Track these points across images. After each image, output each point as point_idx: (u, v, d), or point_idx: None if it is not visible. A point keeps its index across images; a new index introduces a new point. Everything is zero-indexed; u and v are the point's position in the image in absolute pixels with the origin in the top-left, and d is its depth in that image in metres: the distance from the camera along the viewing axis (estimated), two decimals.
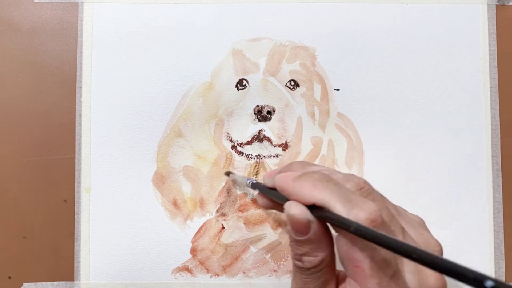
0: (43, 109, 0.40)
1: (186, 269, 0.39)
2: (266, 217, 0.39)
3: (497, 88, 0.40)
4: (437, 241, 0.27)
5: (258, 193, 0.34)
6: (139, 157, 0.40)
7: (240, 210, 0.40)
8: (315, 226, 0.25)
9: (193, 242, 0.39)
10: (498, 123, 0.40)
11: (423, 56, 0.40)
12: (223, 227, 0.39)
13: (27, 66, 0.40)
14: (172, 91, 0.40)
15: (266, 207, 0.34)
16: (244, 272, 0.39)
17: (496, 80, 0.40)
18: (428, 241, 0.26)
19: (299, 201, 0.26)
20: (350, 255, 0.24)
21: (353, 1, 0.41)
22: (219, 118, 0.40)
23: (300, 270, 0.26)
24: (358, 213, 0.23)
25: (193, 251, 0.39)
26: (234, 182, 0.39)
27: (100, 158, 0.40)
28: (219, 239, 0.39)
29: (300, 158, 0.40)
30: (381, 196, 0.27)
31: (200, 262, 0.39)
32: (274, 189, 0.29)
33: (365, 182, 0.27)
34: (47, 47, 0.41)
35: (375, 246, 0.23)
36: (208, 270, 0.39)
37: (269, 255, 0.39)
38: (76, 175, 0.40)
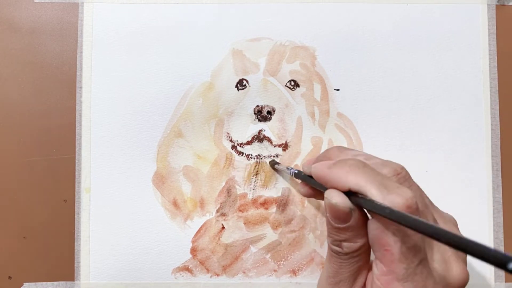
0: (43, 109, 0.40)
1: (186, 269, 0.39)
2: (266, 217, 0.39)
3: (497, 88, 0.40)
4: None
5: (300, 183, 0.34)
6: (139, 157, 0.40)
7: (240, 210, 0.40)
8: (356, 214, 0.25)
9: (193, 242, 0.39)
10: (498, 123, 0.40)
11: (423, 56, 0.40)
12: (223, 227, 0.39)
13: (27, 66, 0.40)
14: (172, 91, 0.40)
15: (307, 196, 0.34)
16: (244, 272, 0.39)
17: (496, 80, 0.40)
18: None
19: (335, 188, 0.26)
20: (382, 239, 0.24)
21: (353, 1, 0.41)
22: (219, 118, 0.40)
23: (337, 255, 0.27)
24: (395, 198, 0.23)
25: (193, 251, 0.39)
26: (279, 172, 0.39)
27: (100, 158, 0.40)
28: (219, 239, 0.39)
29: (300, 158, 0.40)
30: (417, 185, 0.27)
31: (200, 262, 0.39)
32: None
33: (402, 168, 0.27)
34: (47, 47, 0.41)
35: (407, 232, 0.23)
36: (208, 270, 0.39)
37: (269, 255, 0.39)
38: (76, 175, 0.40)
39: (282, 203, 0.39)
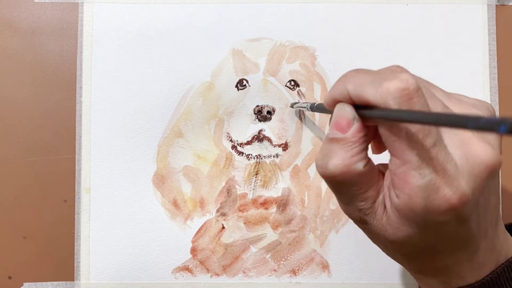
0: (43, 109, 0.40)
1: (186, 269, 0.39)
2: (266, 217, 0.39)
3: (497, 88, 0.40)
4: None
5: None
6: (139, 157, 0.40)
7: (240, 210, 0.40)
8: (355, 127, 0.24)
9: (193, 242, 0.39)
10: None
11: (423, 56, 0.40)
12: (223, 227, 0.39)
13: (27, 66, 0.40)
14: (172, 91, 0.40)
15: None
16: (244, 272, 0.39)
17: (496, 80, 0.40)
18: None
19: (340, 100, 0.25)
20: (387, 131, 0.23)
21: (353, 1, 0.41)
22: (219, 118, 0.40)
23: (330, 183, 0.25)
24: (389, 85, 0.22)
25: (193, 251, 0.39)
26: (301, 109, 0.39)
27: (100, 158, 0.40)
28: (219, 239, 0.39)
29: (300, 158, 0.40)
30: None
31: (200, 262, 0.39)
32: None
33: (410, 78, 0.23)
34: (47, 47, 0.41)
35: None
36: (208, 270, 0.39)
37: (269, 255, 0.39)
38: (76, 175, 0.40)
39: (282, 203, 0.39)
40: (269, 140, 0.40)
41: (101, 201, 0.40)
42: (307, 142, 0.40)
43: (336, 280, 0.39)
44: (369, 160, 0.24)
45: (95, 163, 0.40)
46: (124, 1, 0.41)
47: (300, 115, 0.40)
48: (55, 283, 0.39)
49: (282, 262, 0.39)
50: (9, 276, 0.39)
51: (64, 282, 0.39)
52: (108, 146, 0.40)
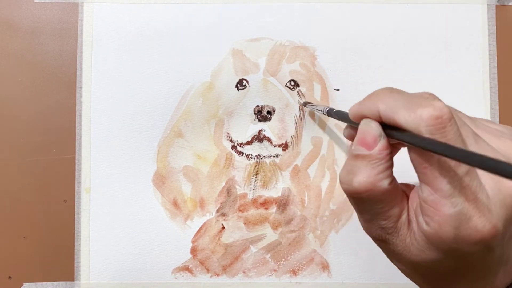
0: (43, 109, 0.40)
1: (186, 269, 0.39)
2: (266, 217, 0.39)
3: (497, 88, 0.40)
4: None
5: (345, 127, 0.32)
6: (139, 157, 0.40)
7: (240, 210, 0.40)
8: (381, 144, 0.24)
9: (193, 242, 0.39)
10: (498, 123, 0.40)
11: (423, 56, 0.40)
12: (223, 227, 0.39)
13: (27, 66, 0.40)
14: (172, 91, 0.40)
15: (351, 138, 0.32)
16: (244, 272, 0.39)
17: (496, 80, 0.40)
18: (509, 150, 0.24)
19: (368, 117, 0.25)
20: (418, 158, 0.22)
21: (353, 1, 0.41)
22: (219, 118, 0.40)
23: (354, 200, 0.25)
24: (423, 112, 0.21)
25: (193, 251, 0.39)
26: (313, 111, 0.39)
27: (100, 158, 0.40)
28: (219, 239, 0.39)
29: (300, 158, 0.40)
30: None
31: (200, 262, 0.39)
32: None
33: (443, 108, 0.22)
34: (47, 47, 0.41)
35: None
36: (208, 270, 0.39)
37: (269, 255, 0.39)
38: (76, 175, 0.40)
39: (282, 203, 0.39)
40: (269, 140, 0.40)
41: (101, 201, 0.40)
42: (307, 142, 0.40)
43: (336, 280, 0.39)
44: (393, 178, 0.24)
45: (95, 163, 0.40)
46: (124, 1, 0.41)
47: (301, 115, 0.40)
48: (55, 283, 0.39)
49: (282, 262, 0.39)
50: (9, 276, 0.39)
51: (64, 282, 0.39)
52: (108, 146, 0.40)
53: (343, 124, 0.40)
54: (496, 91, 0.40)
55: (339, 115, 0.32)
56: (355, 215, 0.39)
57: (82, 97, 0.40)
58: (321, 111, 0.36)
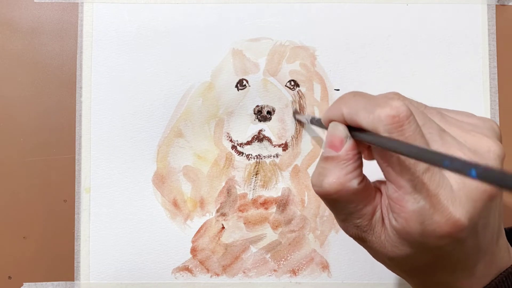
0: (43, 109, 0.40)
1: (186, 269, 0.39)
2: (266, 217, 0.39)
3: (497, 88, 0.40)
4: (494, 144, 0.24)
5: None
6: (139, 157, 0.40)
7: (240, 210, 0.40)
8: (348, 145, 0.24)
9: (193, 242, 0.39)
10: (498, 123, 0.40)
11: (422, 56, 0.40)
12: (223, 227, 0.39)
13: (27, 66, 0.40)
14: (172, 91, 0.40)
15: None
16: (244, 272, 0.39)
17: (496, 80, 0.40)
18: (479, 144, 0.24)
19: (336, 121, 0.25)
20: (380, 157, 0.23)
21: (353, 1, 0.41)
22: (219, 118, 0.40)
23: (327, 201, 0.25)
24: (380, 112, 0.22)
25: (193, 251, 0.39)
26: (300, 121, 0.40)
27: (100, 158, 0.40)
28: (219, 239, 0.39)
29: (300, 158, 0.40)
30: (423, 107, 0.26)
31: (200, 262, 0.39)
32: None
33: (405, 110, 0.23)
34: (47, 47, 0.41)
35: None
36: (208, 270, 0.39)
37: (269, 255, 0.39)
38: (76, 175, 0.40)
39: (282, 203, 0.39)
40: (269, 140, 0.40)
41: (101, 201, 0.40)
42: (307, 142, 0.40)
43: (336, 280, 0.39)
44: (364, 178, 0.25)
45: (95, 163, 0.40)
46: (124, 1, 0.41)
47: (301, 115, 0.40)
48: (55, 283, 0.39)
49: (282, 262, 0.39)
50: (9, 276, 0.39)
51: (64, 282, 0.39)
52: (108, 146, 0.40)
53: None
54: (496, 91, 0.40)
55: (319, 123, 0.33)
56: None
57: (82, 97, 0.40)
58: (306, 120, 0.37)
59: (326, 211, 0.39)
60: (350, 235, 0.26)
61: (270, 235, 0.39)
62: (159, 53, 0.40)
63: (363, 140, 0.24)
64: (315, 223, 0.39)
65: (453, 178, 0.23)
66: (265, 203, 0.40)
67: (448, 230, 0.22)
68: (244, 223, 0.39)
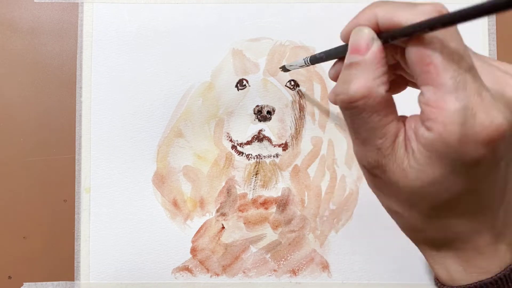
0: (43, 109, 0.40)
1: (186, 269, 0.39)
2: (266, 217, 0.39)
3: None
4: None
5: (331, 68, 0.30)
6: (139, 157, 0.40)
7: (240, 210, 0.40)
8: (375, 47, 0.23)
9: (193, 242, 0.39)
10: None
11: None
12: (223, 227, 0.39)
13: (27, 66, 0.40)
14: (172, 91, 0.40)
15: (337, 77, 0.30)
16: (244, 272, 0.39)
17: None
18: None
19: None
20: (420, 57, 0.22)
21: (353, 1, 0.41)
22: (219, 118, 0.40)
23: (351, 112, 0.24)
24: (423, 7, 0.22)
25: (193, 251, 0.39)
26: (291, 68, 0.38)
27: (100, 158, 0.40)
28: (219, 239, 0.39)
29: (300, 158, 0.40)
30: None
31: (200, 262, 0.39)
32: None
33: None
34: (47, 47, 0.41)
35: (444, 41, 0.21)
36: (208, 270, 0.39)
37: (269, 255, 0.39)
38: (76, 175, 0.40)
39: (282, 203, 0.39)
40: (269, 140, 0.40)
41: (101, 201, 0.40)
42: (307, 142, 0.40)
43: (336, 280, 0.39)
44: (389, 88, 0.24)
45: (95, 163, 0.40)
46: (124, 1, 0.41)
47: (301, 115, 0.40)
48: (55, 283, 0.39)
49: (282, 262, 0.39)
50: (9, 276, 0.39)
51: (64, 282, 0.39)
52: (108, 146, 0.40)
53: (343, 124, 0.40)
54: None
55: (326, 54, 0.30)
56: (355, 215, 0.39)
57: (82, 97, 0.40)
58: (303, 63, 0.34)
59: (326, 211, 0.39)
60: (368, 163, 0.25)
61: (270, 235, 0.39)
62: (159, 53, 0.40)
63: (402, 34, 0.22)
64: (315, 223, 0.39)
65: (492, 89, 0.22)
66: (265, 203, 0.40)
67: (490, 133, 0.21)
68: (244, 223, 0.39)
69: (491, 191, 0.24)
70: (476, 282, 0.25)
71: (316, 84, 0.40)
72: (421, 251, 0.28)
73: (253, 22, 0.41)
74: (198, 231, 0.39)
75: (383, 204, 0.28)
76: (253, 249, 0.39)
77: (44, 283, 0.39)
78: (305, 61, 0.33)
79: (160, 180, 0.40)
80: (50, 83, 0.40)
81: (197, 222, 0.40)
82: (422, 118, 0.23)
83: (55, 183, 0.40)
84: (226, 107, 0.40)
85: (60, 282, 0.39)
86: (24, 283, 0.39)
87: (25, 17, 0.41)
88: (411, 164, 0.23)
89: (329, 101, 0.40)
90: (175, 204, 0.40)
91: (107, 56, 0.40)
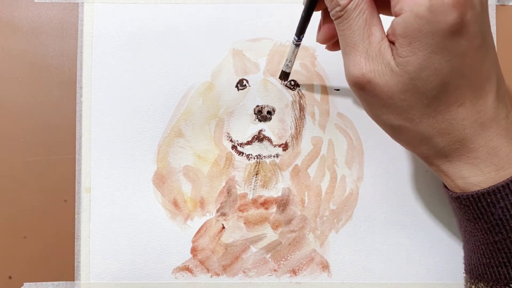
0: (43, 109, 0.40)
1: (186, 269, 0.39)
2: (266, 217, 0.40)
3: None
4: None
5: (318, 31, 0.34)
6: (139, 157, 0.40)
7: (240, 210, 0.40)
8: None
9: (193, 242, 0.39)
10: None
11: None
12: (223, 227, 0.39)
13: (27, 66, 0.40)
14: (172, 91, 0.40)
15: (326, 40, 0.33)
16: (244, 272, 0.39)
17: None
18: None
19: None
20: None
21: None
22: (219, 118, 0.40)
23: (341, 19, 0.26)
24: None
25: (194, 251, 0.39)
26: (288, 67, 0.39)
27: (100, 158, 0.40)
28: (219, 239, 0.39)
29: (300, 158, 0.40)
30: None
31: (200, 262, 0.39)
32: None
33: None
34: (47, 47, 0.41)
35: None
36: (208, 270, 0.39)
37: (269, 255, 0.39)
38: (76, 175, 0.40)
39: (282, 203, 0.40)
40: (269, 140, 0.40)
41: (101, 201, 0.40)
42: (307, 142, 0.40)
43: (336, 280, 0.39)
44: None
45: (95, 163, 0.40)
46: (124, 1, 0.41)
47: (301, 115, 0.40)
48: (55, 283, 0.39)
49: (282, 262, 0.39)
50: (9, 276, 0.39)
51: (64, 282, 0.39)
52: (108, 146, 0.40)
53: (343, 124, 0.40)
54: None
55: (305, 11, 0.33)
56: (355, 215, 0.39)
57: (82, 97, 0.40)
58: (294, 45, 0.36)
59: (326, 211, 0.39)
60: (360, 75, 0.26)
61: (270, 235, 0.39)
62: (159, 53, 0.40)
63: None
64: (315, 223, 0.39)
65: None
66: (265, 203, 0.40)
67: None
68: (244, 223, 0.39)
69: (477, 71, 0.25)
70: (504, 181, 0.26)
71: (316, 84, 0.40)
72: (434, 168, 0.29)
73: (253, 22, 0.41)
74: (198, 231, 0.39)
75: (384, 127, 0.29)
76: (253, 249, 0.39)
77: (44, 283, 0.39)
78: (293, 41, 0.35)
79: (160, 180, 0.40)
80: (50, 83, 0.40)
81: (197, 222, 0.40)
82: (392, 6, 0.25)
83: (55, 183, 0.40)
84: (226, 107, 0.40)
85: (60, 282, 0.39)
86: (24, 283, 0.39)
87: (25, 17, 0.41)
88: (397, 61, 0.25)
89: (329, 101, 0.40)
90: (175, 204, 0.40)
91: (107, 56, 0.40)
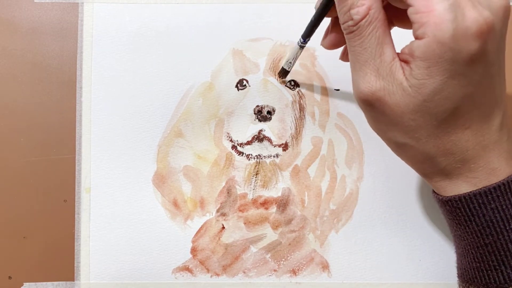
0: (43, 109, 0.40)
1: (186, 269, 0.39)
2: (266, 217, 0.40)
3: None
4: None
5: (323, 37, 0.34)
6: (139, 157, 0.40)
7: (240, 210, 0.40)
8: None
9: (193, 242, 0.39)
10: None
11: None
12: (223, 227, 0.39)
13: (27, 66, 0.40)
14: (172, 91, 0.40)
15: (332, 45, 0.33)
16: (244, 272, 0.39)
17: None
18: None
19: None
20: None
21: None
22: (219, 118, 0.40)
23: (352, 34, 0.26)
24: None
25: (193, 251, 0.39)
26: (289, 66, 0.39)
27: (100, 158, 0.40)
28: (219, 239, 0.39)
29: (300, 158, 0.40)
30: None
31: (200, 262, 0.39)
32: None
33: None
34: (47, 47, 0.41)
35: None
36: (208, 270, 0.39)
37: (269, 255, 0.39)
38: (76, 175, 0.40)
39: (282, 203, 0.39)
40: (269, 140, 0.40)
41: (101, 201, 0.40)
42: (307, 142, 0.40)
43: (336, 280, 0.39)
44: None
45: (95, 163, 0.40)
46: (124, 1, 0.41)
47: (301, 115, 0.40)
48: (55, 283, 0.39)
49: (282, 262, 0.39)
50: (9, 276, 0.39)
51: (64, 282, 0.39)
52: (108, 146, 0.40)
53: (343, 124, 0.40)
54: None
55: (314, 17, 0.32)
56: (355, 215, 0.39)
57: (82, 97, 0.40)
58: (298, 47, 0.36)
59: (326, 211, 0.39)
60: (368, 92, 0.26)
61: (270, 235, 0.39)
62: (159, 53, 0.40)
63: None
64: (315, 223, 0.39)
65: None
66: (265, 203, 0.40)
67: (480, 26, 0.23)
68: (244, 223, 0.39)
69: (488, 98, 0.25)
70: (496, 183, 0.26)
71: (316, 84, 0.40)
72: (432, 184, 0.29)
73: (253, 22, 0.41)
74: (198, 231, 0.39)
75: (388, 142, 0.29)
76: (253, 249, 0.39)
77: (44, 283, 0.39)
78: (298, 42, 0.34)
79: (160, 180, 0.40)
80: (50, 83, 0.40)
81: (197, 222, 0.40)
82: (414, 29, 0.24)
83: (55, 183, 0.40)
84: (226, 107, 0.40)
85: (60, 282, 0.39)
86: (24, 283, 0.39)
87: (25, 17, 0.41)
88: (411, 82, 0.25)
89: (329, 101, 0.40)
90: (175, 204, 0.40)
91: (107, 56, 0.40)
